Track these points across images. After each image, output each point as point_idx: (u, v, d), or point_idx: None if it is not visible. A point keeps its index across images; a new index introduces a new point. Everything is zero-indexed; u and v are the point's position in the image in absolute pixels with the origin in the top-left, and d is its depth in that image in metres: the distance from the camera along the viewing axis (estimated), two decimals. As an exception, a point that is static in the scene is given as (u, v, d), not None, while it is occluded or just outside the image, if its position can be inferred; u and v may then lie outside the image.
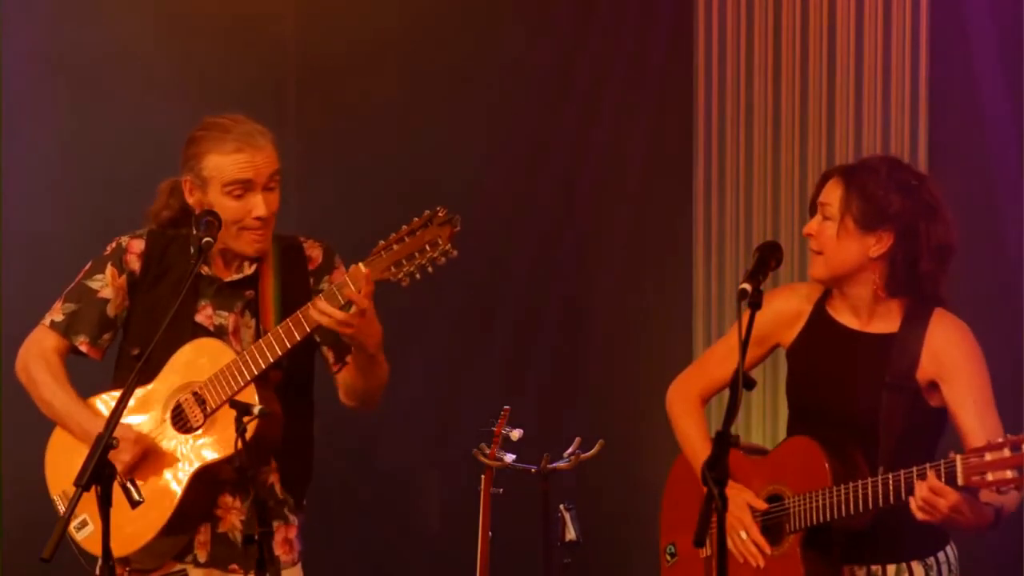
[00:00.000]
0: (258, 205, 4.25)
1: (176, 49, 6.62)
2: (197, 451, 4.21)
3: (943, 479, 3.86)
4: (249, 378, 4.14)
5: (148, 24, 6.67)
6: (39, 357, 4.42)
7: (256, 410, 3.95)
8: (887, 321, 4.20)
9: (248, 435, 3.93)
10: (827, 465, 4.11)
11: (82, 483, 3.68)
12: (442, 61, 6.82)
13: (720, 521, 3.53)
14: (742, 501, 4.23)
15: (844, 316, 4.25)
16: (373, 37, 6.79)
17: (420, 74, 6.81)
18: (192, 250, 4.26)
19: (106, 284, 4.39)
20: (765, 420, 6.46)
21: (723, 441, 3.56)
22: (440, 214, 4.01)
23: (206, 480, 4.22)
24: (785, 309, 4.34)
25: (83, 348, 4.40)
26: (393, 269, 4.02)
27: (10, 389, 6.19)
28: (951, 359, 4.13)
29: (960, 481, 3.84)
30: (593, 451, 5.97)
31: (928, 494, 3.86)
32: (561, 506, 5.97)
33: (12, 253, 6.55)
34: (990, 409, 4.09)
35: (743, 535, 4.21)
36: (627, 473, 6.50)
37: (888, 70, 6.46)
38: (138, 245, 4.41)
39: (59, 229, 6.55)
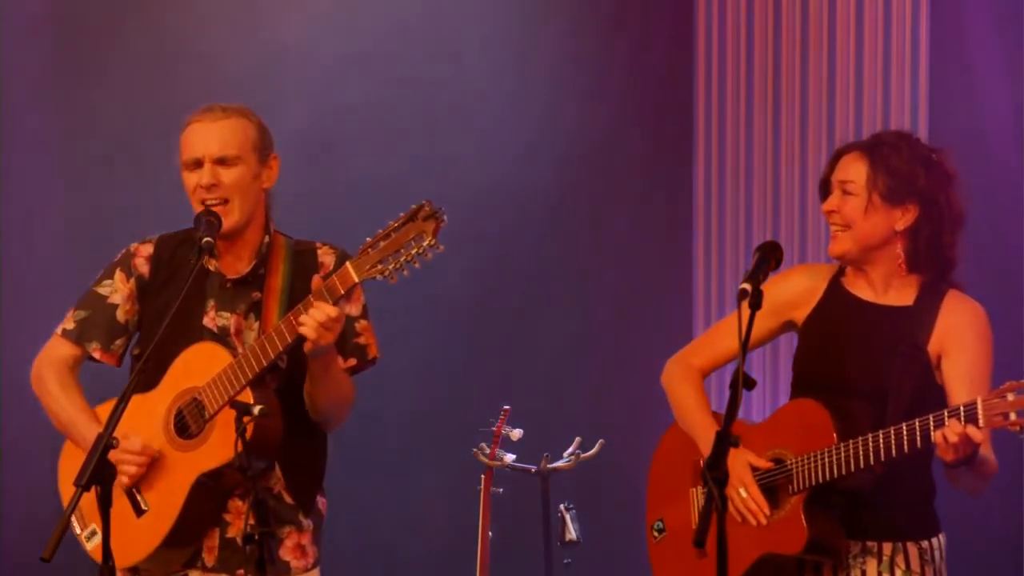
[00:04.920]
0: (203, 174, 4.24)
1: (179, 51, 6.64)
2: (197, 458, 4.18)
3: (963, 422, 3.84)
4: (244, 382, 4.12)
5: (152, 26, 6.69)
6: (51, 367, 4.40)
7: (256, 410, 3.94)
8: (903, 295, 4.21)
9: (248, 435, 3.92)
10: (832, 423, 4.07)
11: (82, 483, 3.67)
12: (441, 60, 6.82)
13: (720, 520, 3.52)
14: (743, 460, 4.17)
15: (860, 290, 4.25)
16: (372, 34, 6.80)
17: (418, 74, 6.81)
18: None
19: (115, 290, 4.37)
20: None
21: (723, 441, 3.55)
22: (426, 208, 3.95)
23: (210, 486, 4.20)
24: (801, 285, 4.33)
25: (96, 355, 4.38)
26: (380, 266, 3.97)
27: (10, 390, 6.22)
28: (960, 334, 4.14)
29: (981, 423, 3.82)
30: (593, 451, 5.98)
31: (956, 438, 3.84)
32: (561, 506, 5.97)
33: (11, 255, 6.55)
34: (985, 393, 4.08)
35: (742, 493, 4.15)
36: (627, 473, 6.49)
37: (888, 69, 6.46)
38: (146, 249, 4.39)
39: (60, 231, 6.56)
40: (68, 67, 6.62)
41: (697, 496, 4.36)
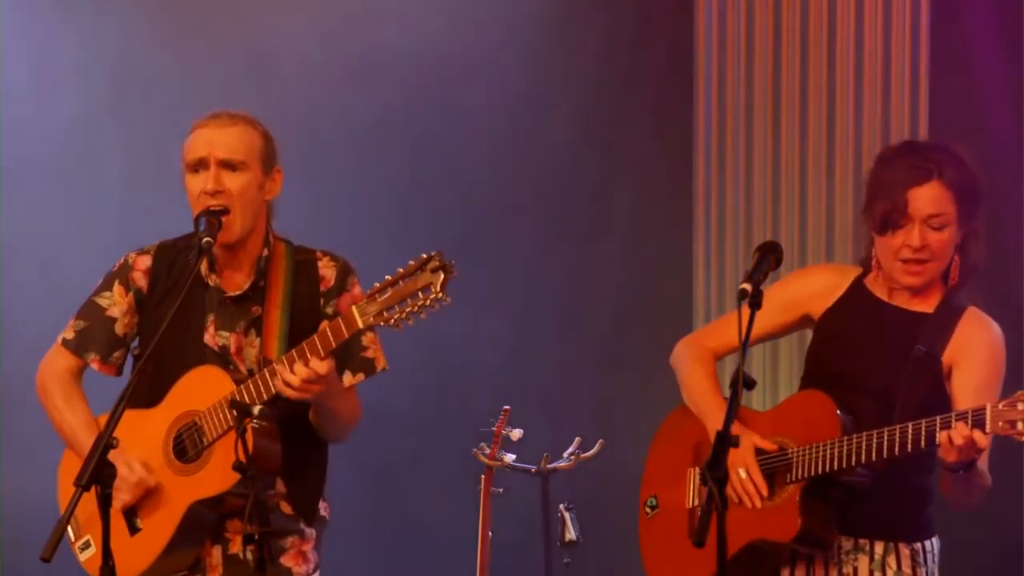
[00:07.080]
0: (208, 179, 4.19)
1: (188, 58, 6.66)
2: (193, 484, 4.16)
3: (970, 427, 3.83)
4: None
5: (156, 30, 6.70)
6: (53, 377, 4.37)
7: (256, 410, 3.93)
8: (925, 302, 4.20)
9: (248, 436, 3.90)
10: (837, 416, 4.06)
11: (82, 483, 3.66)
12: (441, 61, 6.83)
13: (720, 521, 3.51)
14: (748, 441, 4.15)
15: (882, 292, 4.24)
16: (379, 41, 6.82)
17: (420, 76, 6.82)
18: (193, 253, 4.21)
19: (114, 303, 4.33)
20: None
21: (723, 441, 3.55)
22: (435, 261, 3.90)
23: (205, 511, 4.18)
24: (821, 282, 4.33)
25: (95, 366, 4.35)
26: (385, 314, 3.92)
27: (10, 393, 6.23)
28: (974, 350, 4.13)
29: (988, 429, 3.82)
30: (593, 451, 5.98)
31: (962, 440, 3.84)
32: (561, 506, 5.98)
33: (13, 256, 6.55)
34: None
35: (743, 473, 4.13)
36: (627, 473, 6.49)
37: (888, 69, 6.46)
38: (144, 262, 4.35)
39: (61, 231, 6.57)
40: (73, 53, 6.64)
41: (694, 476, 4.35)
